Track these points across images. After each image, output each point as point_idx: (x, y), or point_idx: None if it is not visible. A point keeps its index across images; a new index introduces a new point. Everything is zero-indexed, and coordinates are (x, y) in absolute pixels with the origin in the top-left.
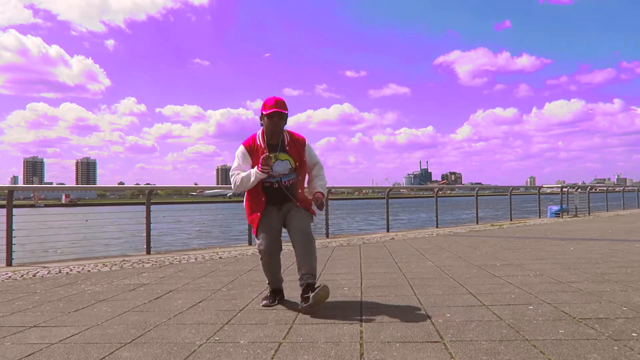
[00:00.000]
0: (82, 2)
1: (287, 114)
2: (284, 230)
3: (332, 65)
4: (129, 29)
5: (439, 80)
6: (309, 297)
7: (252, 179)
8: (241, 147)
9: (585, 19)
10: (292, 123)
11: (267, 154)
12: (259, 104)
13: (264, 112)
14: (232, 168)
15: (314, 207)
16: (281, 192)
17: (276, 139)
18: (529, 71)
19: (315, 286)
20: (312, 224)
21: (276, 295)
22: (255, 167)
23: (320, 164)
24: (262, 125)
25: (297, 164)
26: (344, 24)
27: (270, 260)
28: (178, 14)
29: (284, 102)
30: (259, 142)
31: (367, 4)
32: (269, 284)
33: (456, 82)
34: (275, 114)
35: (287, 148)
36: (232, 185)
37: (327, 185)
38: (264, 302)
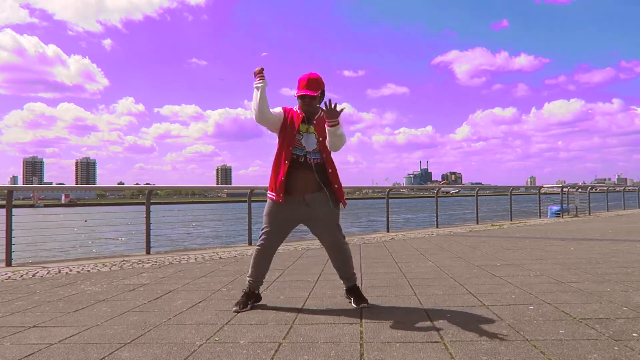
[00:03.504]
0: (78, 2)
1: (319, 94)
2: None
3: (330, 65)
4: (126, 29)
5: (437, 80)
6: (350, 298)
7: (254, 91)
8: (280, 107)
9: (583, 19)
10: None
11: (261, 68)
12: None
13: (297, 93)
14: None
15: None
16: (308, 172)
17: (311, 115)
18: (528, 71)
19: (358, 291)
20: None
21: (249, 298)
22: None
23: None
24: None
25: (320, 139)
26: (341, 24)
27: (265, 255)
28: (175, 14)
29: (317, 80)
30: (295, 110)
31: (364, 4)
32: (250, 280)
33: (454, 82)
34: (305, 97)
35: (315, 122)
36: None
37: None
38: (235, 307)
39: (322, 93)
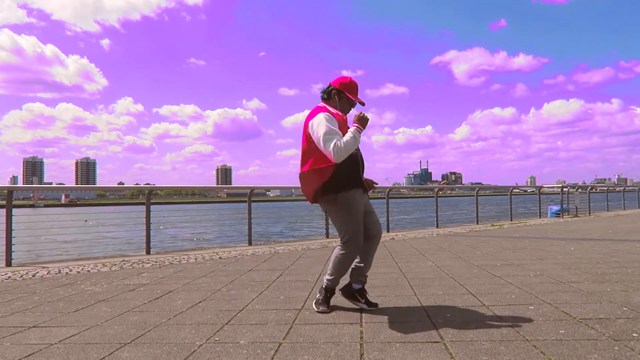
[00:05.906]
0: (76, 2)
1: None
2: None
3: (328, 65)
4: (124, 29)
5: (436, 80)
6: (366, 300)
7: (357, 138)
8: (327, 114)
9: (582, 19)
10: (290, 124)
11: (363, 114)
12: (255, 103)
13: (348, 95)
14: (325, 132)
15: None
16: (362, 168)
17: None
18: (526, 71)
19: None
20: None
21: (331, 296)
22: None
23: None
24: (327, 98)
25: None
26: (340, 23)
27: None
28: (172, 13)
29: None
30: (335, 112)
31: (362, 3)
32: (336, 279)
33: (453, 82)
34: (356, 104)
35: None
36: (335, 153)
37: None
38: (322, 307)
39: None
